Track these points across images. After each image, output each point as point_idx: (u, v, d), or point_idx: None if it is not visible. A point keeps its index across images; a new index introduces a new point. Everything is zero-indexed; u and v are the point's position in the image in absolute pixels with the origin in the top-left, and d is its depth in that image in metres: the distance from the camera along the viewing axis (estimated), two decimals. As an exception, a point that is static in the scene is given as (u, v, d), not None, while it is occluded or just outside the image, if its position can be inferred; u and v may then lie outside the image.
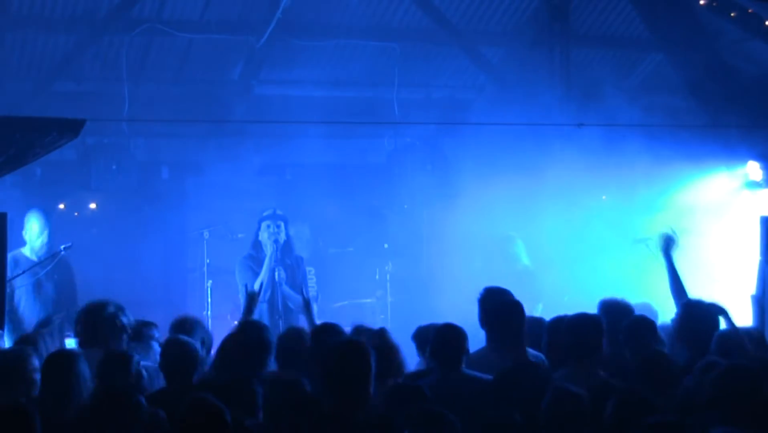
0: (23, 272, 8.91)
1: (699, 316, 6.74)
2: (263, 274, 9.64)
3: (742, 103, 10.54)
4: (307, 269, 12.11)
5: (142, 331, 6.92)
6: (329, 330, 6.47)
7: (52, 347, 6.73)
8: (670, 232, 7.96)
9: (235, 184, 12.27)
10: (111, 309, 6.68)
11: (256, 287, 9.63)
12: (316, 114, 11.79)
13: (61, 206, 11.99)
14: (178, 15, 11.32)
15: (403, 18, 12.14)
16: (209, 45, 11.71)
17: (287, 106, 11.88)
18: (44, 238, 9.38)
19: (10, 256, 8.91)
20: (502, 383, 5.47)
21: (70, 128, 6.83)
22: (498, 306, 6.25)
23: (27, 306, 9.04)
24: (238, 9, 11.43)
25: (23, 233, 9.38)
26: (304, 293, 9.07)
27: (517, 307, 6.26)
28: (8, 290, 8.84)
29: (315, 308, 9.42)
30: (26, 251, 9.26)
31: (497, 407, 5.13)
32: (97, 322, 6.63)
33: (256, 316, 9.30)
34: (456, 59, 12.62)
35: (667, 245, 7.88)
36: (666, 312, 7.43)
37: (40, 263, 9.05)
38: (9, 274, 8.84)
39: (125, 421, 4.93)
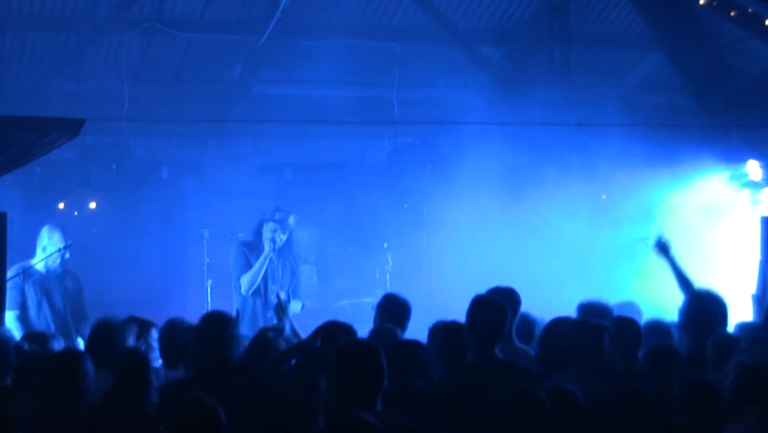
0: (20, 273, 8.86)
1: (705, 306, 6.72)
2: (255, 269, 9.62)
3: (742, 103, 10.54)
4: (309, 266, 12.15)
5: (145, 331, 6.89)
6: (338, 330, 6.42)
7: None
8: (659, 235, 7.89)
9: (235, 183, 12.28)
10: None
11: (243, 281, 9.63)
12: (316, 114, 11.81)
13: (61, 206, 11.99)
14: (178, 15, 11.32)
15: (403, 18, 12.15)
16: (209, 45, 11.72)
17: (287, 105, 11.89)
18: (60, 260, 9.25)
19: (18, 267, 8.91)
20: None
21: (70, 128, 6.83)
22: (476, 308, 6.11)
23: (36, 315, 9.02)
24: (238, 9, 11.44)
25: (41, 247, 9.20)
26: (286, 293, 9.31)
27: (497, 307, 5.99)
28: (20, 297, 8.86)
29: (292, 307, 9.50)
30: (37, 263, 9.17)
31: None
32: None
33: (249, 312, 9.35)
34: (456, 59, 12.62)
35: (662, 247, 7.83)
36: (666, 312, 7.41)
37: (26, 283, 9.00)
38: (20, 283, 8.86)
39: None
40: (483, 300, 5.97)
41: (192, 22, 11.42)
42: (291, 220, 9.80)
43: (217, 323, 5.96)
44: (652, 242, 7.89)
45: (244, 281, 9.61)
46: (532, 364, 6.13)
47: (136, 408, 4.93)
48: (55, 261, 9.09)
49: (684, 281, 7.52)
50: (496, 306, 5.92)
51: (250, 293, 9.61)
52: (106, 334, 6.43)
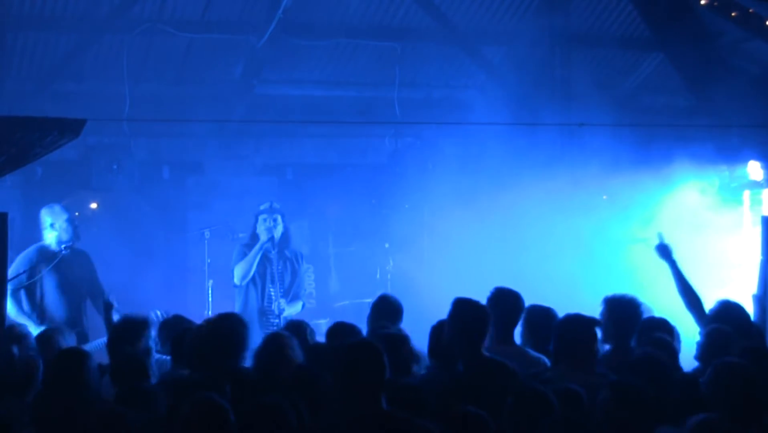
0: (23, 272, 8.88)
1: (730, 316, 6.76)
2: (249, 258, 9.61)
3: (742, 103, 10.55)
4: (307, 266, 12.12)
5: None
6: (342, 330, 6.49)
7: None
8: (659, 240, 7.92)
9: (236, 183, 12.29)
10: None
11: (236, 270, 9.63)
12: (317, 114, 11.82)
13: (62, 206, 11.99)
14: (179, 15, 11.33)
15: (403, 18, 12.14)
16: (210, 45, 11.72)
17: (288, 105, 11.91)
18: (72, 228, 9.26)
19: (34, 248, 8.99)
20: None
21: (71, 128, 6.82)
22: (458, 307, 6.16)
23: (53, 300, 9.03)
24: (239, 9, 11.44)
25: (48, 227, 9.17)
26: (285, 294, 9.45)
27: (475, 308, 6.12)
28: (39, 291, 8.92)
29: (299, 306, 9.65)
30: (52, 243, 9.18)
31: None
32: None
33: (248, 315, 9.34)
34: (456, 59, 12.63)
35: (663, 252, 7.85)
36: (662, 311, 7.42)
37: (40, 263, 9.01)
38: (36, 263, 8.89)
39: None
40: (464, 302, 6.05)
41: (193, 23, 11.42)
42: (276, 204, 9.84)
43: (230, 325, 6.01)
44: (653, 244, 7.91)
45: (238, 270, 9.60)
46: (530, 365, 6.17)
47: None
48: (67, 232, 9.11)
49: (685, 287, 7.54)
50: (478, 308, 6.00)
51: (244, 283, 9.61)
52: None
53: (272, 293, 9.65)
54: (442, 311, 6.44)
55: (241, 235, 10.64)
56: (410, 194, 12.32)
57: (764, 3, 10.35)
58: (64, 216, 9.16)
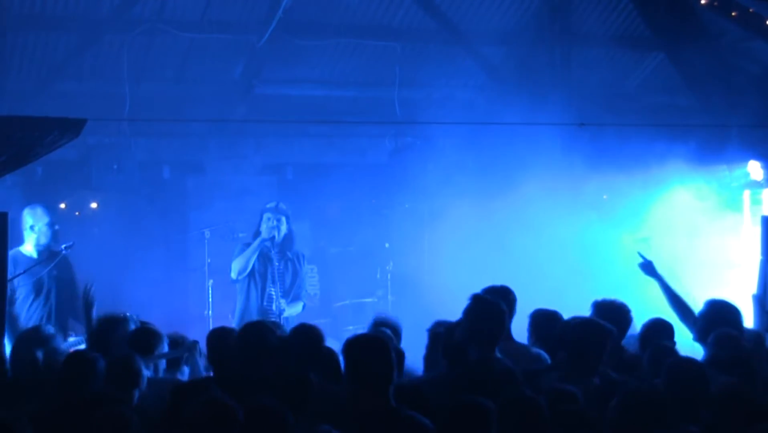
0: (24, 272, 8.83)
1: (721, 315, 6.75)
2: (248, 253, 9.60)
3: (743, 103, 10.55)
4: (310, 266, 12.14)
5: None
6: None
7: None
8: (641, 258, 7.89)
9: (236, 183, 12.31)
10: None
11: (233, 265, 9.63)
12: (317, 114, 11.82)
13: (62, 206, 12.00)
14: (179, 14, 11.32)
15: (403, 17, 12.15)
16: (210, 45, 11.72)
17: (288, 105, 11.90)
18: (51, 232, 9.21)
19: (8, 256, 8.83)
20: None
21: (71, 128, 6.83)
22: (478, 305, 6.14)
23: (25, 306, 8.95)
24: (239, 9, 11.44)
25: (28, 228, 9.19)
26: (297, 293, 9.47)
27: (494, 307, 6.10)
28: (8, 293, 8.76)
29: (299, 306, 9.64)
30: (26, 249, 9.13)
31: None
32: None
33: (248, 315, 9.34)
34: (457, 59, 12.63)
35: (648, 269, 7.82)
36: (661, 311, 7.42)
37: (41, 263, 8.97)
38: (9, 274, 8.78)
39: None
40: (483, 300, 6.01)
41: (193, 22, 11.42)
42: (282, 205, 9.84)
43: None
44: (642, 253, 7.89)
45: (235, 264, 9.58)
46: (531, 362, 6.18)
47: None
48: (45, 236, 9.03)
49: (676, 300, 7.51)
50: (496, 307, 5.98)
51: (240, 278, 9.59)
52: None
53: (273, 293, 9.64)
54: (443, 310, 6.45)
55: (241, 235, 10.64)
56: (410, 194, 12.34)
57: (764, 3, 10.35)
58: (45, 219, 9.09)
